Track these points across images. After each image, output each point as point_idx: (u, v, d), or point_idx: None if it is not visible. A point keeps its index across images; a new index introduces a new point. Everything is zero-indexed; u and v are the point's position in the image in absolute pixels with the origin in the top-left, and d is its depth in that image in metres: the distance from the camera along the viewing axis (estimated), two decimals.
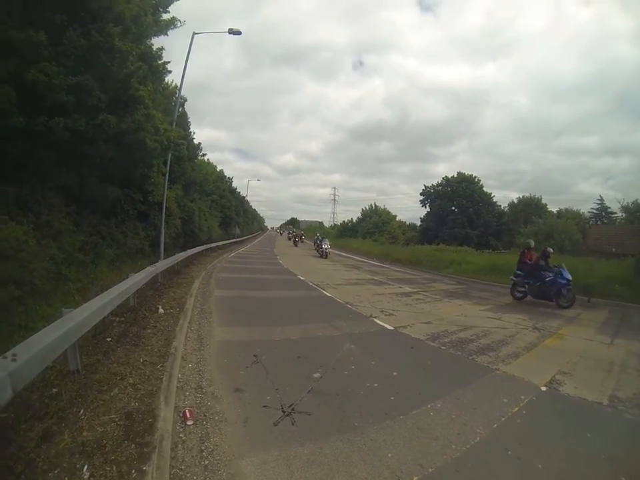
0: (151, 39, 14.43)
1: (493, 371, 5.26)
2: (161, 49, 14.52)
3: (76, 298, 6.81)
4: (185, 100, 22.60)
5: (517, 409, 4.03)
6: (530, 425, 3.68)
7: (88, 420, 3.18)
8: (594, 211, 50.26)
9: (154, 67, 13.79)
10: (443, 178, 52.68)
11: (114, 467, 2.61)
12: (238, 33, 16.97)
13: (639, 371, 5.67)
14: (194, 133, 26.09)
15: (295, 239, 43.10)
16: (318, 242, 29.16)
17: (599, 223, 46.76)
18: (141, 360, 4.75)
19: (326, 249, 26.92)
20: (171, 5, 15.38)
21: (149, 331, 6.13)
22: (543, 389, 4.70)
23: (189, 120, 25.38)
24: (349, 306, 9.30)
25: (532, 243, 13.05)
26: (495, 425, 3.62)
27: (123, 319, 6.61)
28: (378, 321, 7.82)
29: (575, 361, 5.87)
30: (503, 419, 3.76)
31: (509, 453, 3.17)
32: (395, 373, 4.93)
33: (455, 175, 52.18)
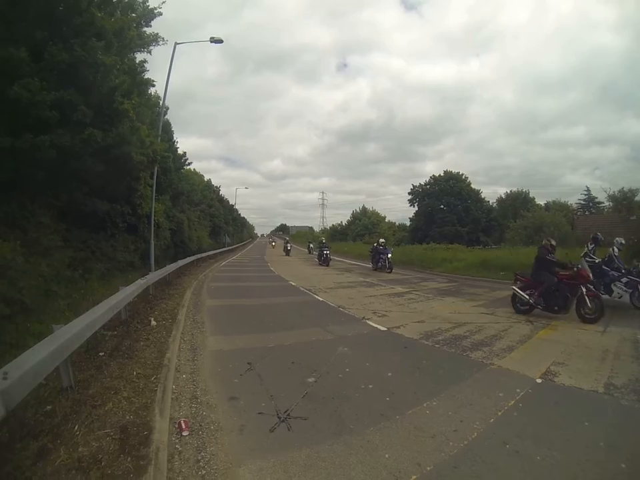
0: (134, 53, 14.49)
1: (487, 366, 5.28)
2: (144, 61, 14.59)
3: (67, 314, 6.75)
4: (167, 108, 22.52)
5: (513, 402, 4.05)
6: (527, 418, 3.70)
7: (83, 435, 3.16)
8: (581, 202, 51.09)
9: (137, 80, 13.82)
10: (430, 177, 53.32)
11: None
12: (220, 41, 17.15)
13: (633, 357, 5.74)
14: (177, 142, 26.02)
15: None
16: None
17: (586, 213, 47.35)
18: (135, 373, 4.73)
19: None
20: (153, 20, 15.48)
21: (141, 343, 6.11)
22: (538, 380, 4.72)
23: (172, 129, 25.28)
24: (342, 309, 9.33)
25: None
26: (492, 420, 3.64)
27: (115, 332, 6.58)
28: (371, 323, 7.85)
29: (569, 351, 5.93)
30: (500, 413, 3.78)
31: (507, 446, 3.18)
32: (389, 374, 4.94)
33: (442, 174, 52.67)
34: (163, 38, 16.12)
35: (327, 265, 23.49)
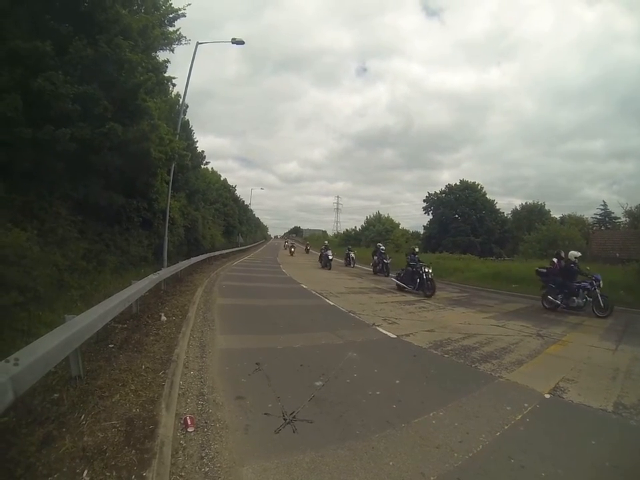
0: (157, 52, 14.70)
1: (496, 378, 5.21)
2: (167, 60, 14.78)
3: (79, 305, 6.83)
4: (187, 106, 22.67)
5: (520, 416, 3.98)
6: (533, 433, 3.64)
7: (89, 425, 3.18)
8: (597, 216, 50.33)
9: (160, 78, 14.00)
10: (446, 186, 53.10)
11: (114, 473, 2.60)
12: (241, 42, 17.24)
13: None
14: (197, 142, 26.32)
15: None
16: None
17: (602, 228, 46.64)
18: (143, 367, 4.76)
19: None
20: (177, 21, 15.73)
21: (151, 338, 6.15)
22: (547, 396, 4.64)
23: (192, 128, 25.54)
24: (352, 314, 9.27)
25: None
26: (498, 433, 3.58)
27: (125, 325, 6.63)
28: (381, 329, 7.78)
29: (579, 368, 5.81)
30: (506, 427, 3.72)
31: (512, 461, 3.12)
32: (397, 381, 4.90)
33: (458, 183, 52.42)
34: (185, 37, 16.38)
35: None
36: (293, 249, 40.66)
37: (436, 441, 3.39)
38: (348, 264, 26.48)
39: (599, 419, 4.10)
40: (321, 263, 25.04)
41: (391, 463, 3.01)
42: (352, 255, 26.83)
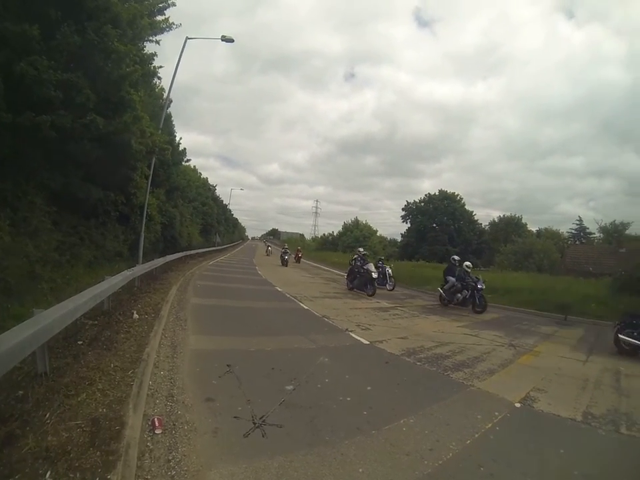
0: (143, 43, 14.48)
1: (467, 387, 5.27)
2: (154, 54, 14.57)
3: (49, 298, 6.67)
4: (171, 101, 22.39)
5: (490, 425, 4.04)
6: (503, 441, 3.69)
7: (53, 425, 3.10)
8: (572, 231, 52.14)
9: (146, 70, 13.81)
10: (425, 195, 53.84)
11: (78, 474, 2.54)
12: (231, 40, 17.15)
13: (613, 387, 5.79)
14: (180, 139, 25.99)
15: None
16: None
17: (577, 242, 48.17)
18: (112, 365, 4.66)
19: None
20: (166, 10, 15.52)
21: (122, 335, 6.04)
22: (517, 405, 4.72)
23: (174, 123, 25.18)
24: (326, 319, 9.28)
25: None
26: (468, 441, 3.62)
27: (96, 322, 6.50)
28: (354, 335, 7.81)
29: (550, 378, 5.95)
30: (476, 435, 3.76)
31: (482, 469, 3.16)
32: (368, 388, 4.91)
33: (437, 193, 53.22)
34: (174, 23, 16.04)
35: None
36: (270, 247, 46.60)
37: (406, 448, 3.40)
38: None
39: (568, 428, 4.20)
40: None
41: (360, 470, 3.00)
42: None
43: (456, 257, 14.87)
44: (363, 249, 19.28)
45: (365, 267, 15.18)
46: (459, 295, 13.38)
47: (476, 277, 13.50)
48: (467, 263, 14.45)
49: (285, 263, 27.81)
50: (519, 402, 4.82)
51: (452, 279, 13.66)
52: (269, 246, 48.62)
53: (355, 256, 16.85)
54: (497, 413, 4.36)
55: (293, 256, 32.55)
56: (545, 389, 5.37)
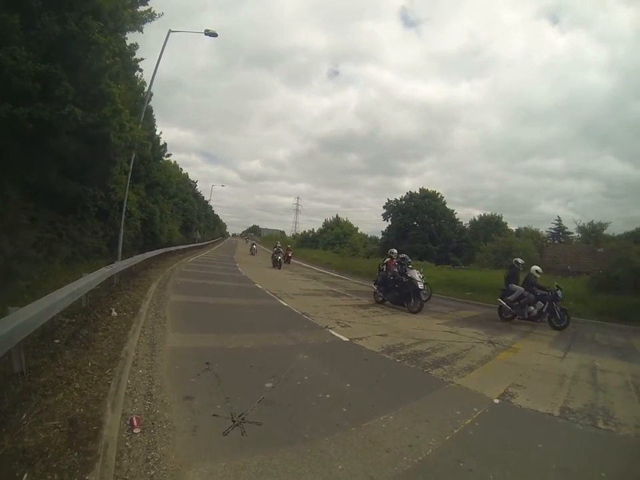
0: (125, 34, 14.21)
1: (447, 383, 5.32)
2: (135, 45, 14.33)
3: (25, 296, 6.51)
4: (152, 94, 21.95)
5: (469, 421, 4.07)
6: (482, 437, 3.73)
7: (30, 425, 3.06)
8: (552, 230, 53.30)
9: (126, 62, 13.58)
10: (406, 193, 54.08)
11: (55, 476, 2.51)
12: (214, 34, 17.00)
13: (590, 383, 5.95)
14: (161, 133, 25.64)
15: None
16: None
17: (555, 242, 49.29)
18: (90, 364, 4.60)
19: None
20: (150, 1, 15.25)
21: (100, 333, 5.96)
22: (496, 401, 4.78)
23: (154, 117, 24.76)
24: (305, 316, 9.31)
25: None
26: (448, 437, 3.65)
27: (73, 320, 6.39)
28: (333, 332, 7.86)
29: (528, 374, 6.06)
30: (456, 431, 3.79)
31: (461, 464, 3.17)
32: (348, 385, 4.93)
33: (418, 191, 53.58)
34: (156, 13, 15.73)
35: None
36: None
37: (386, 444, 3.41)
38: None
39: (546, 423, 4.28)
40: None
41: (340, 467, 3.00)
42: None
43: (519, 260, 12.44)
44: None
45: (408, 275, 11.77)
46: (532, 307, 11.03)
47: (554, 287, 11.24)
48: (536, 268, 11.83)
49: (277, 264, 24.36)
50: (498, 398, 4.89)
51: (518, 288, 11.37)
52: (252, 244, 43.39)
53: (387, 259, 13.55)
54: (475, 409, 4.41)
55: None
56: (524, 385, 5.47)
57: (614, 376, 6.47)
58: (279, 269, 23.72)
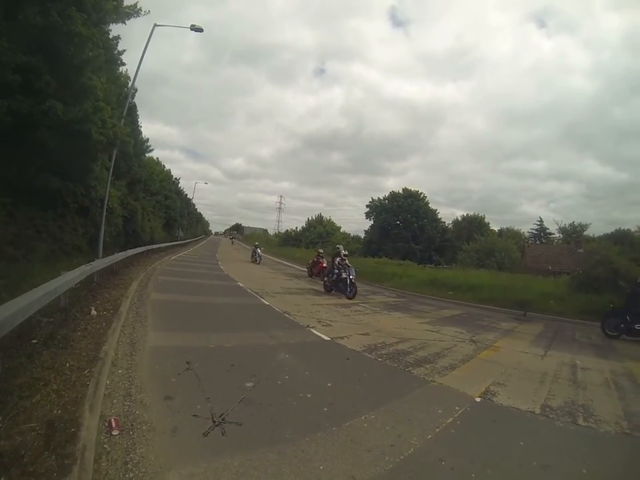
0: (108, 26, 13.96)
1: (428, 382, 5.35)
2: (117, 37, 14.10)
3: (2, 295, 6.37)
4: (136, 90, 21.73)
5: (451, 419, 4.11)
6: (464, 435, 3.77)
7: (6, 428, 3.00)
8: (533, 231, 54.39)
9: (109, 56, 13.37)
10: (390, 192, 54.43)
11: (32, 479, 2.48)
12: (200, 30, 16.96)
13: (570, 380, 6.06)
14: (141, 127, 25.31)
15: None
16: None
17: (537, 242, 50.23)
18: (68, 364, 4.53)
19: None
20: None
21: (78, 333, 5.87)
22: (477, 399, 4.83)
23: (138, 113, 24.45)
24: (287, 315, 9.30)
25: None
26: (429, 436, 3.68)
27: (52, 319, 6.26)
28: (315, 331, 7.86)
29: (509, 372, 6.15)
30: (437, 430, 3.82)
31: (443, 463, 3.22)
32: (329, 384, 4.93)
33: (401, 191, 53.93)
34: (141, 9, 15.52)
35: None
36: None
37: (367, 444, 3.42)
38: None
39: (527, 420, 4.36)
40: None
41: (321, 467, 3.01)
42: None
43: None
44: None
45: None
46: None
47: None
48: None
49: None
50: (479, 396, 4.95)
51: None
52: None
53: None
54: (457, 408, 4.46)
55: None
56: (505, 383, 5.55)
57: (594, 374, 6.62)
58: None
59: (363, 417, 4.00)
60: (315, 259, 19.63)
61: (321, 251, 20.45)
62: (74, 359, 4.74)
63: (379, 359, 6.34)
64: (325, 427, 3.71)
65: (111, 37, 13.83)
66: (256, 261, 27.65)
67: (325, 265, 17.76)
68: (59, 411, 3.42)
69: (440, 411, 4.32)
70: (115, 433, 3.21)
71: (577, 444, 3.92)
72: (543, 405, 4.81)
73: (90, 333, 6.00)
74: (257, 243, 31.96)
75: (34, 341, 5.15)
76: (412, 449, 3.41)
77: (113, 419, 3.37)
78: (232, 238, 74.43)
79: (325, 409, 4.13)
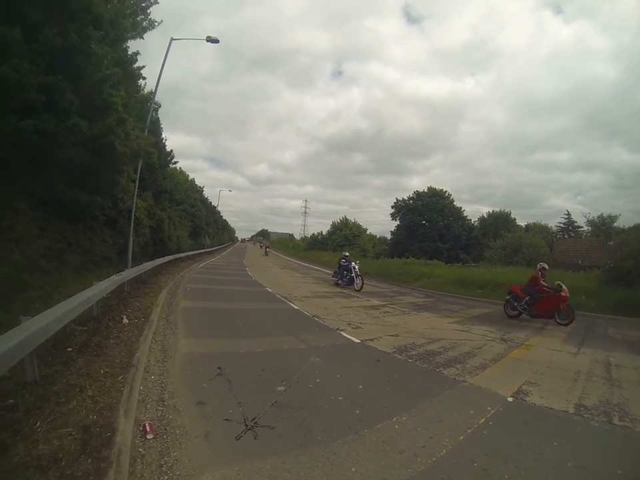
0: (127, 42, 14.36)
1: (459, 382, 5.28)
2: (137, 53, 14.46)
3: (37, 305, 6.57)
4: (159, 105, 22.40)
5: (483, 420, 4.04)
6: (496, 436, 3.70)
7: (44, 433, 3.08)
8: (561, 225, 52.81)
9: (129, 71, 13.71)
10: (414, 192, 53.95)
11: None
12: (216, 41, 17.23)
13: (604, 379, 5.87)
14: (166, 140, 25.85)
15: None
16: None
17: (565, 236, 48.86)
18: (102, 371, 4.64)
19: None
20: (150, 8, 15.39)
21: (111, 341, 6.00)
22: (510, 399, 4.74)
23: (162, 126, 25.05)
24: (316, 319, 9.29)
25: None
26: (461, 437, 3.62)
27: (85, 328, 6.44)
28: (345, 334, 7.82)
29: (542, 371, 6.01)
30: (469, 431, 3.76)
31: (475, 464, 3.15)
32: (360, 386, 4.91)
33: (426, 190, 53.41)
34: (157, 21, 15.88)
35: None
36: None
37: (399, 446, 3.39)
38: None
39: (560, 420, 4.23)
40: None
41: (353, 469, 2.99)
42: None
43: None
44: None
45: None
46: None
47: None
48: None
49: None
50: (512, 396, 4.85)
51: None
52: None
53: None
54: (489, 408, 4.38)
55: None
56: (537, 383, 5.41)
57: (629, 371, 6.39)
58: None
59: (394, 419, 3.97)
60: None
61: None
62: (108, 366, 4.85)
63: (409, 360, 6.28)
64: (356, 429, 3.69)
65: (130, 53, 14.20)
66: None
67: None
68: (95, 416, 3.49)
69: (471, 412, 4.26)
70: (149, 437, 3.27)
71: (613, 444, 3.81)
72: (577, 404, 4.68)
73: (122, 340, 6.13)
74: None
75: (69, 349, 5.30)
76: (444, 451, 3.36)
77: (147, 424, 3.43)
78: (265, 247, 54.59)
79: (357, 411, 4.11)
